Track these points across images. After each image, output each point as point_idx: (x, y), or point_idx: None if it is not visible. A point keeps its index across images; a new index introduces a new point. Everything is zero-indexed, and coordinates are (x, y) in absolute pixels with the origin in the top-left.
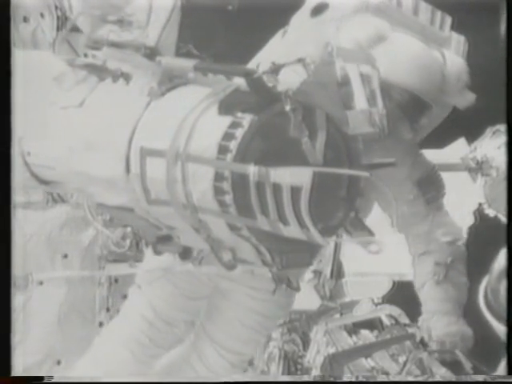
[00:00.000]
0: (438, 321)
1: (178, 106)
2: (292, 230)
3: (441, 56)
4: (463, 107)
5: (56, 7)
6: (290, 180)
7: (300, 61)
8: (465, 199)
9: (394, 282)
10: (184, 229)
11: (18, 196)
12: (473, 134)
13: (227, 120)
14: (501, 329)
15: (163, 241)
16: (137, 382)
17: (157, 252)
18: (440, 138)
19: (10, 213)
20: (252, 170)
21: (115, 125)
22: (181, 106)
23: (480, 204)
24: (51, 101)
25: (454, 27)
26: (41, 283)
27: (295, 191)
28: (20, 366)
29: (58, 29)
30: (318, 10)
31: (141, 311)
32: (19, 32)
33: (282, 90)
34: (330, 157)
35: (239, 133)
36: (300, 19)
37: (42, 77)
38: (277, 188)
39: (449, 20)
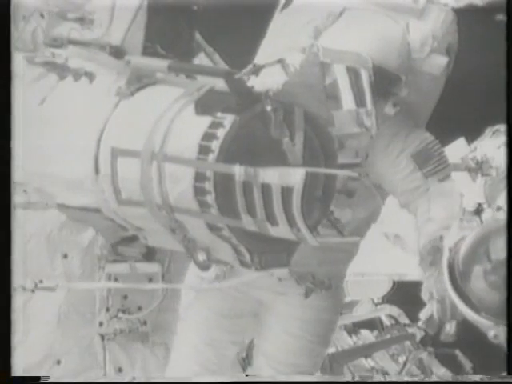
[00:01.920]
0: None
1: (149, 105)
2: (280, 230)
3: (405, 25)
4: (438, 73)
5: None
6: (280, 180)
7: (279, 61)
8: (464, 199)
9: (394, 282)
10: (155, 229)
11: (17, 196)
12: (473, 134)
13: (206, 120)
14: (469, 313)
15: (126, 242)
16: (139, 382)
17: (117, 253)
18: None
19: (10, 213)
20: (238, 170)
21: (81, 125)
22: (153, 106)
23: (479, 204)
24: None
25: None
26: (40, 282)
27: (285, 191)
28: (20, 366)
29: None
30: (286, 3)
31: (186, 339)
32: (19, 32)
33: (263, 90)
34: (307, 157)
35: (221, 133)
36: (274, 19)
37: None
38: (265, 188)
39: None
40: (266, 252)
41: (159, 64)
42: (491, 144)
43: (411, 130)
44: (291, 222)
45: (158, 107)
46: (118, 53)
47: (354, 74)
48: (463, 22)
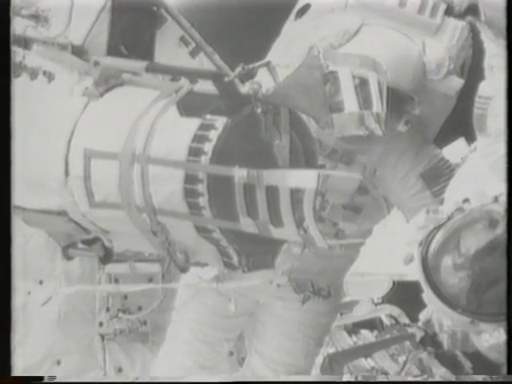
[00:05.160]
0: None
1: (122, 107)
2: (285, 232)
3: (421, 45)
4: (453, 93)
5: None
6: (290, 182)
7: (266, 64)
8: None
9: (393, 282)
10: (127, 232)
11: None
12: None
13: (194, 122)
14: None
15: (77, 245)
16: (140, 382)
17: (68, 257)
18: (440, 137)
19: (10, 213)
20: (238, 172)
21: (45, 125)
22: (127, 108)
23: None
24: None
25: (452, 14)
26: (40, 283)
27: (294, 193)
28: (20, 366)
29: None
30: (301, 12)
31: (180, 335)
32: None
33: (252, 92)
34: (291, 158)
35: (213, 135)
36: (287, 25)
37: None
38: (270, 190)
39: (442, 7)
40: (253, 254)
41: (135, 65)
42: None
43: (421, 147)
44: (299, 223)
45: (132, 109)
46: (79, 53)
47: (358, 75)
48: None
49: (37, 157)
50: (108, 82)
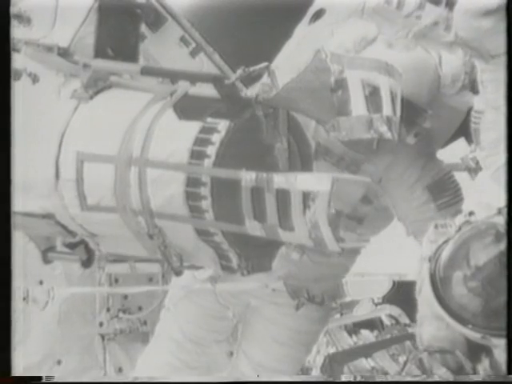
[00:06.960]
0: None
1: (115, 110)
2: (295, 235)
3: (437, 58)
4: (465, 109)
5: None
6: (303, 186)
7: (266, 67)
8: (464, 199)
9: (394, 282)
10: (118, 235)
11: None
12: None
13: (195, 125)
14: (457, 326)
15: (55, 248)
16: (140, 382)
17: (47, 261)
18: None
19: (10, 213)
20: (245, 175)
21: (33, 128)
22: (119, 111)
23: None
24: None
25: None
26: (40, 283)
27: (306, 196)
28: (20, 366)
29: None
30: (315, 17)
31: (170, 333)
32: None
33: (252, 95)
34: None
35: (216, 138)
36: (300, 28)
37: None
38: (280, 193)
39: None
40: (253, 257)
41: (130, 68)
42: None
43: (428, 160)
44: (311, 227)
45: (125, 111)
46: (65, 54)
47: (370, 79)
48: None
49: (26, 159)
50: (97, 85)
